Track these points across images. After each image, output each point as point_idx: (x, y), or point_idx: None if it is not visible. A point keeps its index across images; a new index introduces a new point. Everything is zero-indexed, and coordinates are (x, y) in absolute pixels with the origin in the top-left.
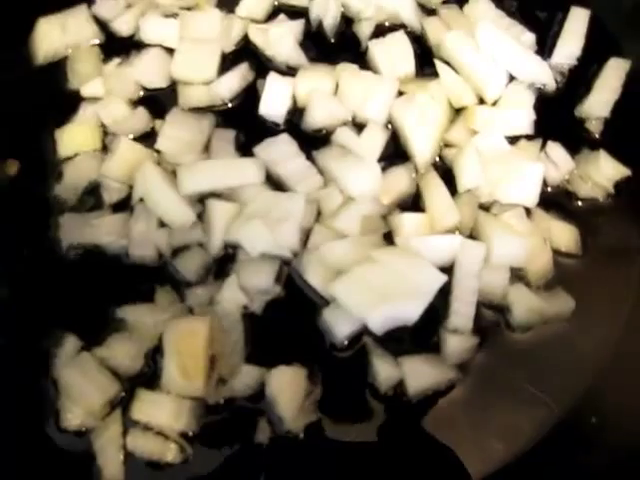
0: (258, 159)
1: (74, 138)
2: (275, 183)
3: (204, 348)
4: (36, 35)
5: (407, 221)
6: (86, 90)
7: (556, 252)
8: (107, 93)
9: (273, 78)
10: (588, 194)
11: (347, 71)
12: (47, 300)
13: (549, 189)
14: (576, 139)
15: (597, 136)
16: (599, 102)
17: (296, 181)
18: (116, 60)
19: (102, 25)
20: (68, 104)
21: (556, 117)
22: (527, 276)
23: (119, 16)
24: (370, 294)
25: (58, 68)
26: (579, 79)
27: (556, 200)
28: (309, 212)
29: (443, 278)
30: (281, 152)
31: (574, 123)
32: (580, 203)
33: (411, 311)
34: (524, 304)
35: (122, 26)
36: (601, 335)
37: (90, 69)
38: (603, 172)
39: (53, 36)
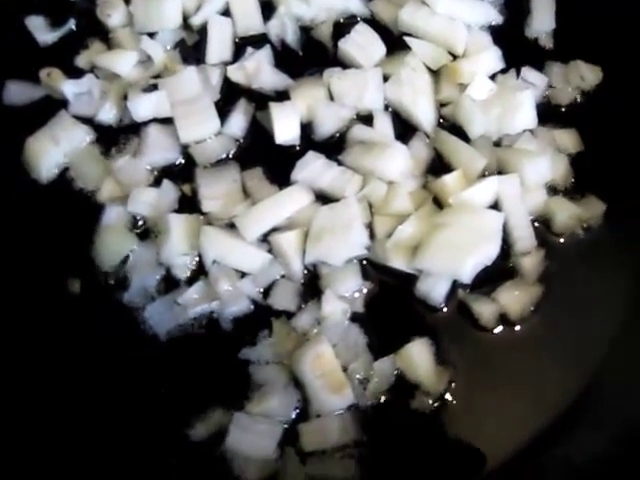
0: (300, 182)
1: (114, 247)
2: (323, 197)
3: (337, 362)
4: (29, 155)
5: (448, 181)
6: (103, 195)
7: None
8: (125, 187)
9: (276, 108)
10: (568, 99)
11: (334, 75)
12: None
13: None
14: (537, 57)
15: (552, 47)
16: (542, 18)
17: (340, 188)
18: (125, 155)
19: (87, 121)
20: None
21: (513, 45)
22: (556, 185)
23: (100, 107)
24: (453, 253)
25: (63, 179)
26: (518, 4)
27: (546, 114)
28: (364, 210)
29: (502, 214)
30: (315, 168)
31: (529, 44)
32: (564, 109)
33: (491, 251)
34: (564, 211)
35: (107, 115)
36: None
37: (98, 170)
38: (580, 75)
39: (48, 150)
